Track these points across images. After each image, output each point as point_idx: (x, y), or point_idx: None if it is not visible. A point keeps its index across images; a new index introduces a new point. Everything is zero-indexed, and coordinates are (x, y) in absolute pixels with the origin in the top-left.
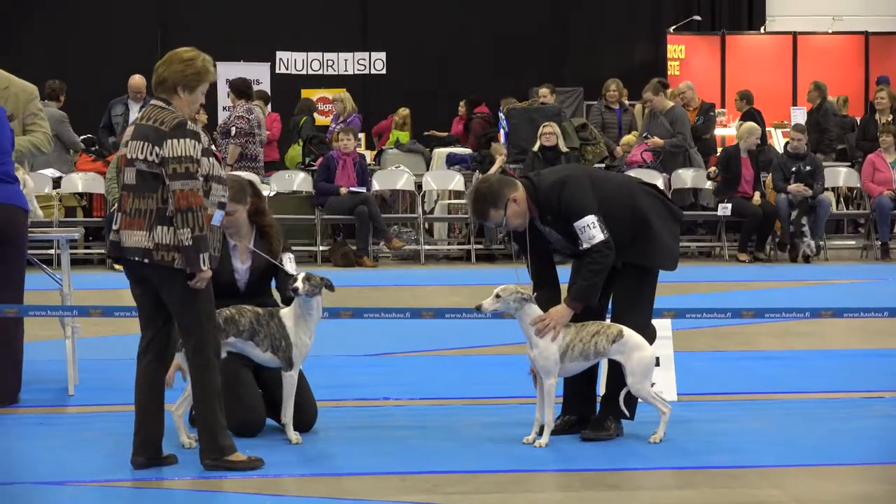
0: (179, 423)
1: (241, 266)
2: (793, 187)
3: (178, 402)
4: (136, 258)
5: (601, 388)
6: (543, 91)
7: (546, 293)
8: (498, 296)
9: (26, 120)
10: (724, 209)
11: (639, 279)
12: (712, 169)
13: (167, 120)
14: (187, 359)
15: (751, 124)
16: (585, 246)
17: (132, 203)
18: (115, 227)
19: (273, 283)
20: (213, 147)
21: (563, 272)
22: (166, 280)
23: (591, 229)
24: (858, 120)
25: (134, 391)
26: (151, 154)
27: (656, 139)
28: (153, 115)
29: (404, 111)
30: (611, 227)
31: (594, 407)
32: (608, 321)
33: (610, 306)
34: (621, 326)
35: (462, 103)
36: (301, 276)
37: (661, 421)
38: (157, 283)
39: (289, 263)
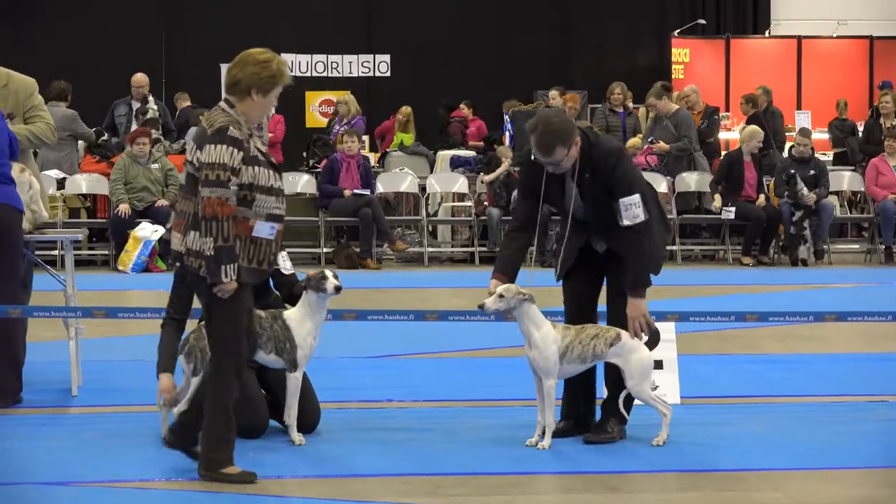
0: (165, 416)
1: None
2: (809, 198)
3: (182, 402)
4: (172, 260)
5: (601, 391)
6: (553, 94)
7: (524, 238)
8: (501, 296)
9: (27, 114)
10: (728, 213)
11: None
12: (713, 182)
13: (216, 123)
14: (208, 365)
15: (753, 128)
16: (626, 223)
17: (180, 204)
18: (168, 225)
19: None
20: (269, 157)
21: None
22: (195, 286)
23: (636, 208)
24: (858, 124)
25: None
26: (194, 157)
27: (662, 144)
28: (212, 116)
29: (406, 109)
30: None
31: (594, 410)
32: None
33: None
34: (619, 330)
35: (462, 105)
36: (329, 273)
37: (662, 424)
38: (194, 290)
39: (284, 262)
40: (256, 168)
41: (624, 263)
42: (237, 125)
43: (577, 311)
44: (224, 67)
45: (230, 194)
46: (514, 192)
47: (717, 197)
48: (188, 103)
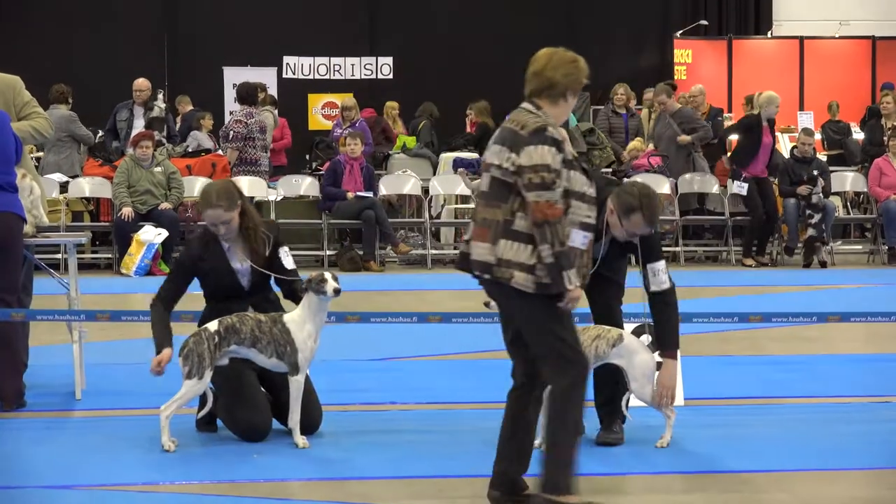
0: (165, 424)
1: (241, 266)
2: (802, 189)
3: (167, 403)
4: (478, 272)
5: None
6: None
7: None
8: None
9: (21, 111)
10: (741, 188)
11: (616, 292)
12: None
13: (529, 123)
14: (552, 384)
15: (770, 93)
16: (654, 289)
17: (483, 211)
18: (465, 236)
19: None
20: (581, 161)
21: None
22: (507, 299)
23: (663, 274)
24: (852, 125)
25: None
26: (507, 161)
27: (684, 136)
28: (518, 118)
29: (392, 104)
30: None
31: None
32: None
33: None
34: (621, 331)
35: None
36: (328, 275)
37: (666, 425)
38: (504, 304)
39: (286, 258)
40: (572, 172)
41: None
42: (554, 126)
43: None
44: (228, 71)
45: (557, 196)
46: None
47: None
48: (190, 107)
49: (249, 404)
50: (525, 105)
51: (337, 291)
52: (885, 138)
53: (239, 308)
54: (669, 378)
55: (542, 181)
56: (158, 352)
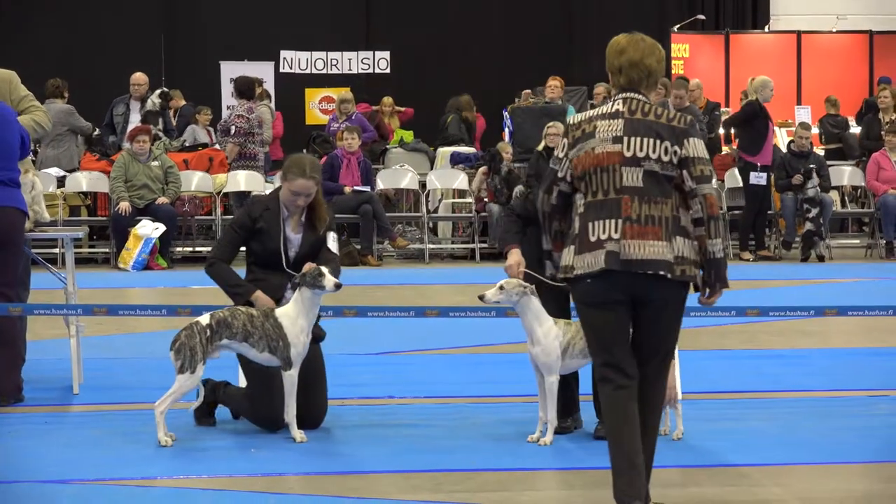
0: (160, 419)
1: (295, 236)
2: (795, 179)
3: (161, 399)
4: (652, 271)
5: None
6: (552, 83)
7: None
8: (501, 287)
9: (19, 107)
10: (759, 177)
11: None
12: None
13: (675, 116)
14: (661, 380)
15: (763, 77)
16: None
17: (640, 208)
18: (614, 235)
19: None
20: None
21: None
22: (675, 298)
23: None
24: (849, 119)
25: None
26: (668, 153)
27: None
28: (646, 108)
29: (388, 99)
30: None
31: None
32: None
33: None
34: None
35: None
36: (326, 269)
37: (676, 416)
38: (662, 301)
39: (332, 242)
40: None
41: None
42: None
43: None
44: (225, 65)
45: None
46: (516, 188)
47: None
48: (183, 102)
49: (274, 395)
50: (636, 95)
51: (338, 286)
52: (883, 132)
53: (278, 283)
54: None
55: (710, 174)
56: (252, 293)
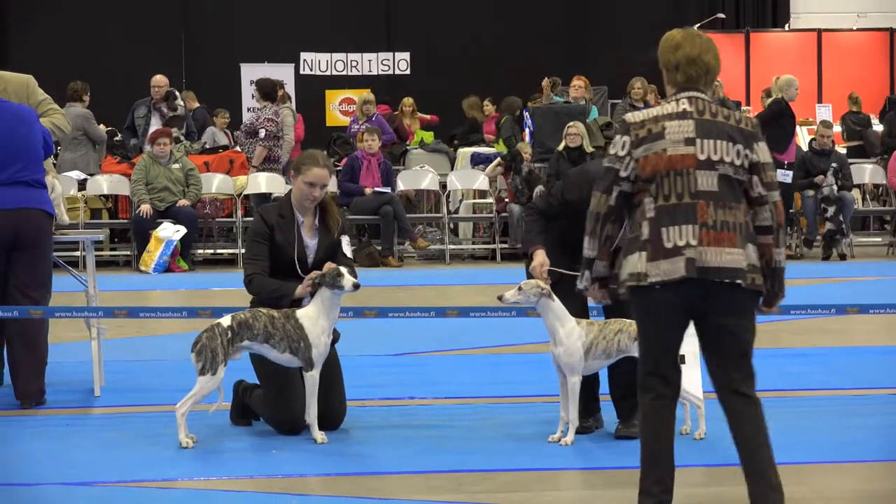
0: (181, 421)
1: (311, 241)
2: (818, 179)
3: (183, 400)
4: (728, 279)
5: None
6: (577, 83)
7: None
8: (520, 288)
9: (38, 109)
10: (786, 175)
11: None
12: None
13: (742, 118)
14: (743, 395)
15: (788, 76)
16: None
17: (715, 213)
18: (692, 241)
19: None
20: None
21: None
22: (749, 307)
23: None
24: (871, 116)
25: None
26: (740, 157)
27: None
28: (713, 109)
29: (408, 100)
30: None
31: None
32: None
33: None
34: None
35: (485, 102)
36: (345, 269)
37: (699, 416)
38: (736, 310)
39: (346, 246)
40: None
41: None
42: None
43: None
44: (245, 67)
45: None
46: (537, 188)
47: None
48: (196, 104)
49: (290, 396)
50: (699, 94)
51: (356, 286)
52: None
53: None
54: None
55: (776, 180)
56: (292, 292)
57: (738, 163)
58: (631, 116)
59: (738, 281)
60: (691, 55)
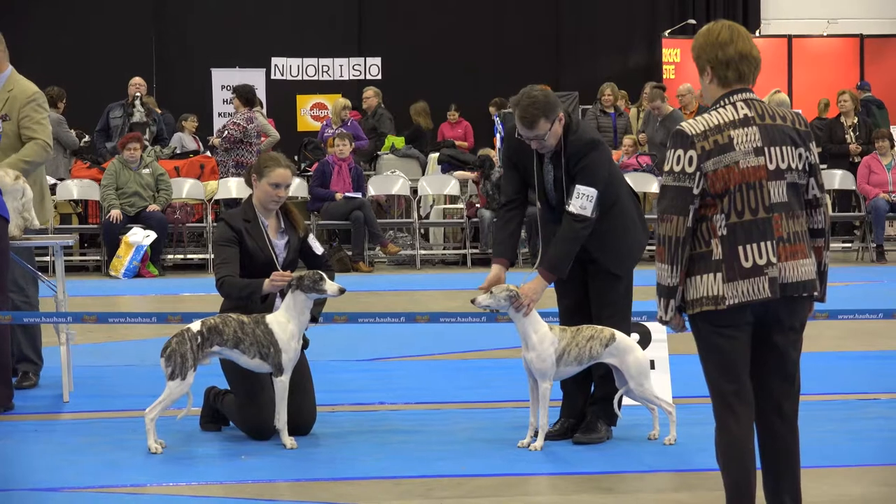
0: (150, 427)
1: (279, 242)
2: None
3: (152, 406)
4: (807, 293)
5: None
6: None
7: (516, 216)
8: (491, 292)
9: (22, 122)
10: None
11: (613, 283)
12: None
13: (794, 117)
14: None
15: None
16: (571, 209)
17: (788, 225)
18: (772, 259)
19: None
20: None
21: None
22: (805, 319)
23: (587, 200)
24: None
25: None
26: (802, 160)
27: None
28: (773, 112)
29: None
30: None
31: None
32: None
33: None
34: (613, 330)
35: (452, 108)
36: (326, 275)
37: (669, 422)
38: (801, 324)
39: (314, 243)
40: None
41: (598, 276)
42: None
43: (574, 308)
44: (216, 72)
45: None
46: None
47: None
48: (158, 110)
49: (260, 403)
50: (752, 95)
51: (341, 290)
52: (847, 136)
53: None
54: (532, 290)
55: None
56: (261, 287)
57: (800, 167)
58: (689, 127)
59: (814, 293)
60: (744, 51)
